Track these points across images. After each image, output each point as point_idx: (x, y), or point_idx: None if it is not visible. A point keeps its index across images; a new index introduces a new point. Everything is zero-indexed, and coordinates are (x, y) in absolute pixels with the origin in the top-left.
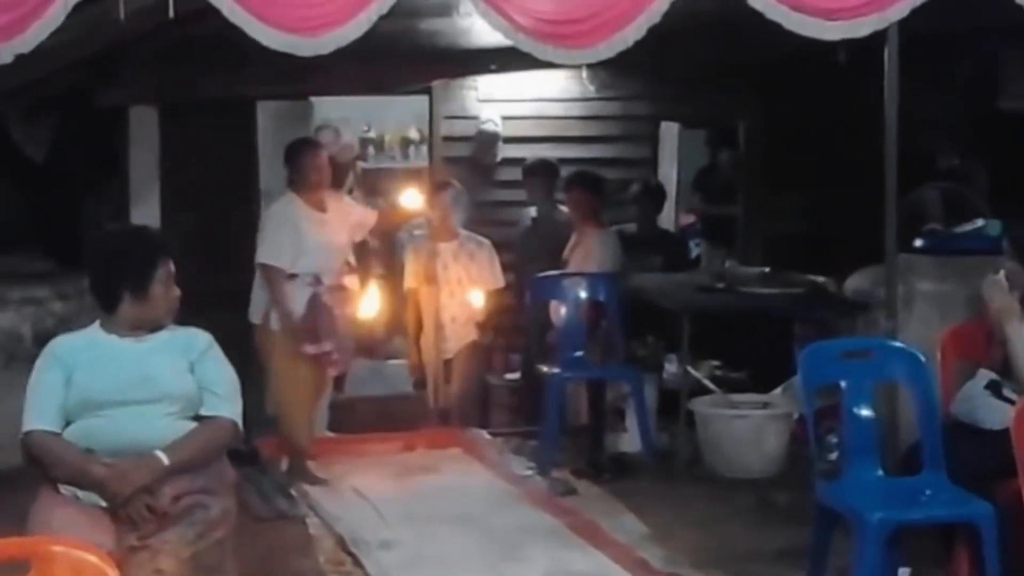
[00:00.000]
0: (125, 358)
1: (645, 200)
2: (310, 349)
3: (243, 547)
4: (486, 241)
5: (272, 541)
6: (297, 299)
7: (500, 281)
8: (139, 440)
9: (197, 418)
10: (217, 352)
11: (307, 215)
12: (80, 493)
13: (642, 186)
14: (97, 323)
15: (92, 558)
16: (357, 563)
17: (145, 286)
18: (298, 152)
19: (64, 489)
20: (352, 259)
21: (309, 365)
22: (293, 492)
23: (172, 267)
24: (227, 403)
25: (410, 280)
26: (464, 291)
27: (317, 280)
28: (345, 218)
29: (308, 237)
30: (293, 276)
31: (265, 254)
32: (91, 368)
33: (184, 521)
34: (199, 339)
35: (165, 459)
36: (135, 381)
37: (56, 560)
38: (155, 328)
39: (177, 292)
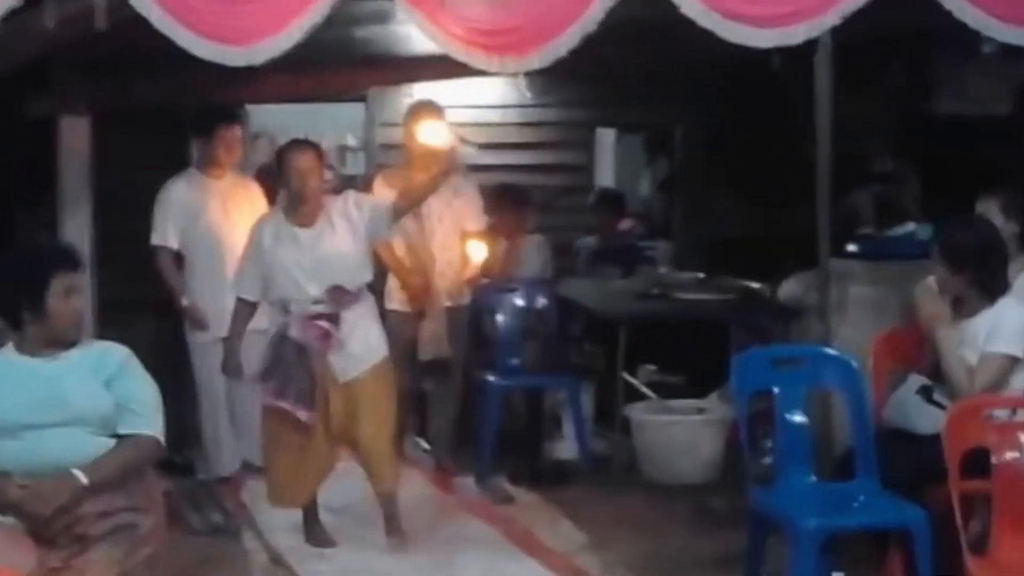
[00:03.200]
0: (36, 379)
1: (603, 208)
2: (268, 400)
3: (175, 561)
4: (470, 174)
5: (206, 554)
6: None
7: (484, 220)
8: (57, 461)
9: (117, 436)
10: (134, 367)
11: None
12: None
13: (600, 194)
14: (11, 344)
15: None
16: (290, 574)
17: (40, 301)
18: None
19: None
20: None
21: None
22: (228, 505)
23: (75, 280)
24: (146, 419)
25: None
26: (446, 232)
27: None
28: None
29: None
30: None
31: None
32: (3, 391)
33: (109, 540)
34: (114, 354)
35: (84, 478)
36: (47, 402)
37: None
38: (68, 345)
39: (78, 305)
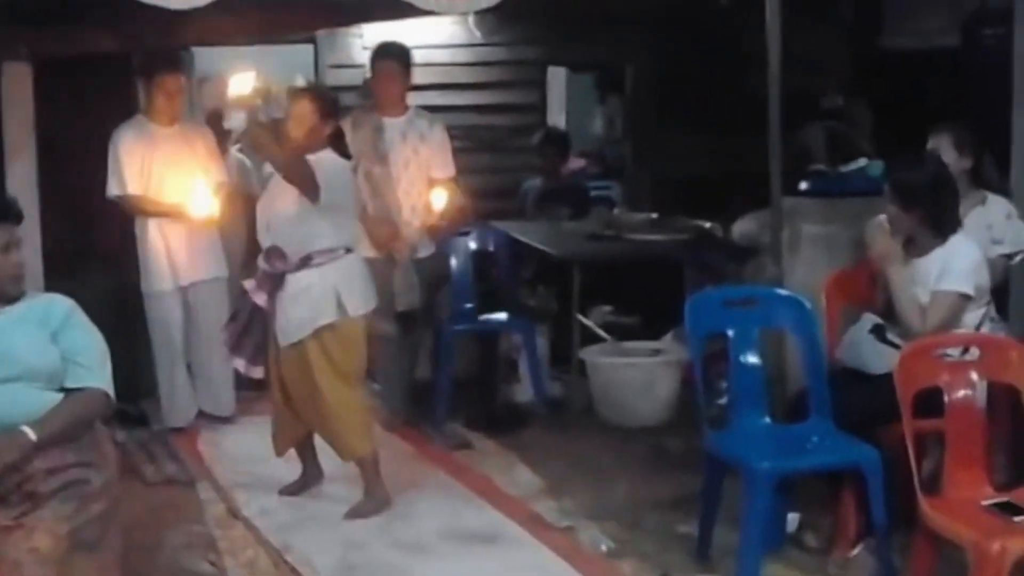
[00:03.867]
0: None
1: (549, 149)
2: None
3: (130, 513)
4: (438, 119)
5: (160, 506)
6: None
7: (452, 169)
8: (3, 418)
9: (65, 390)
10: (79, 319)
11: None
12: None
13: (544, 134)
14: None
15: None
16: (248, 526)
17: None
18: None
19: None
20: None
21: None
22: (182, 456)
23: (13, 234)
24: (94, 372)
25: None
26: (411, 179)
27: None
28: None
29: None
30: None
31: None
32: None
33: (59, 496)
34: (58, 307)
35: (32, 434)
36: None
37: None
38: (11, 299)
39: (16, 259)
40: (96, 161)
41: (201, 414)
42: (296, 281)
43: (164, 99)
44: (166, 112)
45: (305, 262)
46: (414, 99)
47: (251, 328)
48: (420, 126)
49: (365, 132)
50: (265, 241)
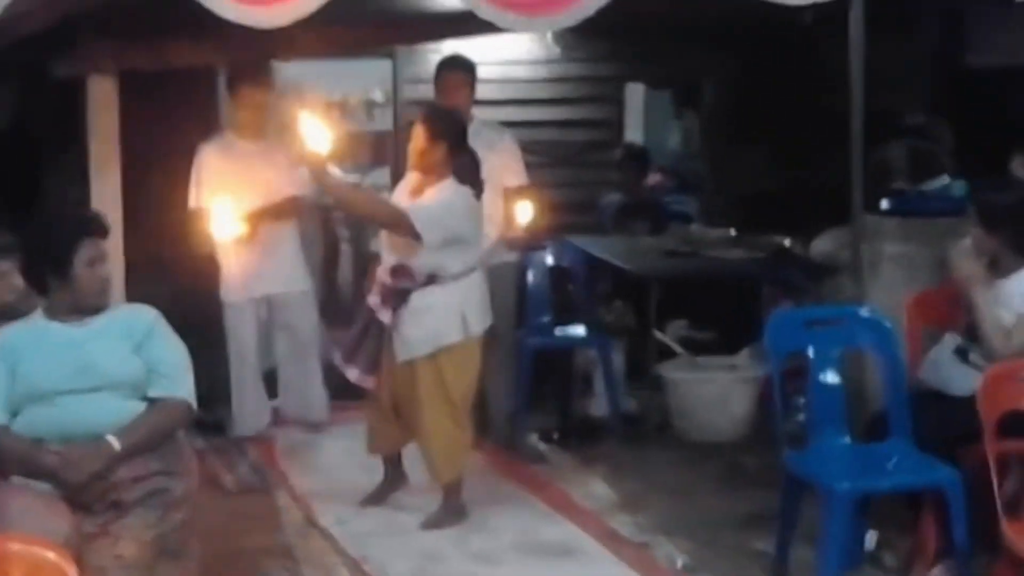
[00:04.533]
0: (66, 346)
1: (629, 164)
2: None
3: (208, 521)
4: (507, 129)
5: (238, 514)
6: None
7: (524, 177)
8: (89, 427)
9: (147, 399)
10: (163, 329)
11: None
12: (34, 483)
13: (625, 150)
14: (40, 310)
15: (51, 555)
16: (325, 534)
17: (66, 269)
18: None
19: (16, 480)
20: None
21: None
22: (261, 464)
23: (101, 248)
24: (176, 382)
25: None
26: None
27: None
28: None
29: None
30: None
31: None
32: (34, 358)
33: (144, 504)
34: (142, 318)
35: (116, 444)
36: (78, 369)
37: (13, 558)
38: (96, 310)
39: (106, 272)
40: (179, 175)
41: (285, 423)
42: (421, 298)
43: (248, 113)
44: (250, 126)
45: (432, 279)
46: (493, 114)
47: (367, 339)
48: (487, 136)
49: None
50: (389, 258)
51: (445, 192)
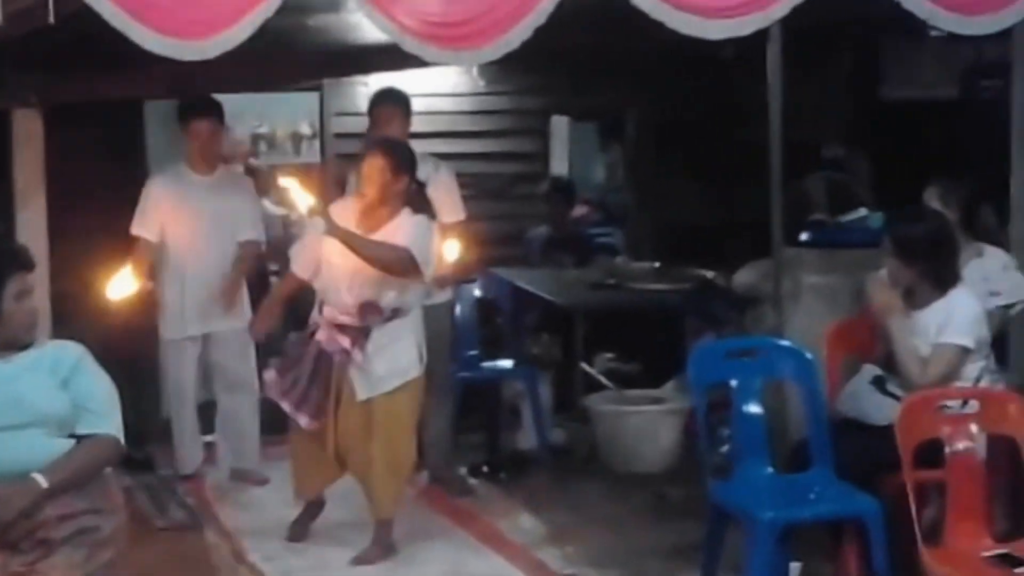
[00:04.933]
0: None
1: (555, 197)
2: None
3: (138, 559)
4: (444, 163)
5: (168, 551)
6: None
7: (462, 212)
8: (15, 464)
9: (75, 436)
10: (89, 365)
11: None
12: None
13: (551, 183)
14: None
15: None
16: (254, 571)
17: None
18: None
19: None
20: None
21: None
22: (189, 501)
23: (28, 282)
24: (104, 418)
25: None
26: None
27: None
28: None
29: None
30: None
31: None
32: None
33: (71, 543)
34: (69, 354)
35: (44, 481)
36: (5, 405)
37: None
38: (23, 346)
39: (33, 306)
40: (105, 208)
41: (216, 460)
42: (384, 334)
43: (197, 145)
44: (200, 159)
45: (395, 314)
46: (418, 147)
47: (315, 383)
48: (425, 170)
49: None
50: (348, 298)
51: (421, 225)
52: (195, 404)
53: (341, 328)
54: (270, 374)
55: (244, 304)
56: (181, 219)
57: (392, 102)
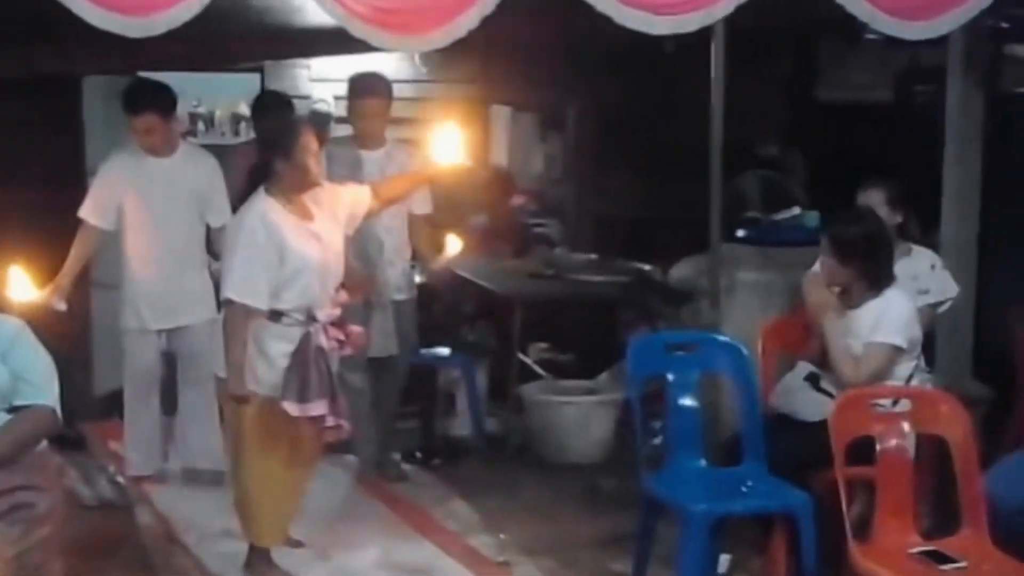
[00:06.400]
0: None
1: (494, 187)
2: (293, 410)
3: (68, 537)
4: (417, 152)
5: (98, 529)
6: (279, 346)
7: (430, 204)
8: None
9: (13, 409)
10: (28, 338)
11: (292, 227)
12: None
13: (491, 173)
14: None
15: None
16: (188, 554)
17: None
18: (286, 127)
19: None
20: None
21: (291, 437)
22: (120, 479)
23: None
24: (42, 391)
25: None
26: (392, 215)
27: (310, 317)
28: (335, 215)
29: (294, 259)
30: (277, 315)
31: (231, 287)
32: None
33: (6, 519)
34: (7, 327)
35: None
36: None
37: None
38: None
39: None
40: (41, 183)
41: (186, 470)
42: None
43: (138, 137)
44: (149, 148)
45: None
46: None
47: (324, 383)
48: (400, 159)
49: (341, 167)
50: (324, 291)
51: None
52: (157, 401)
53: (334, 323)
54: (294, 407)
55: (210, 295)
56: (142, 203)
57: (379, 92)
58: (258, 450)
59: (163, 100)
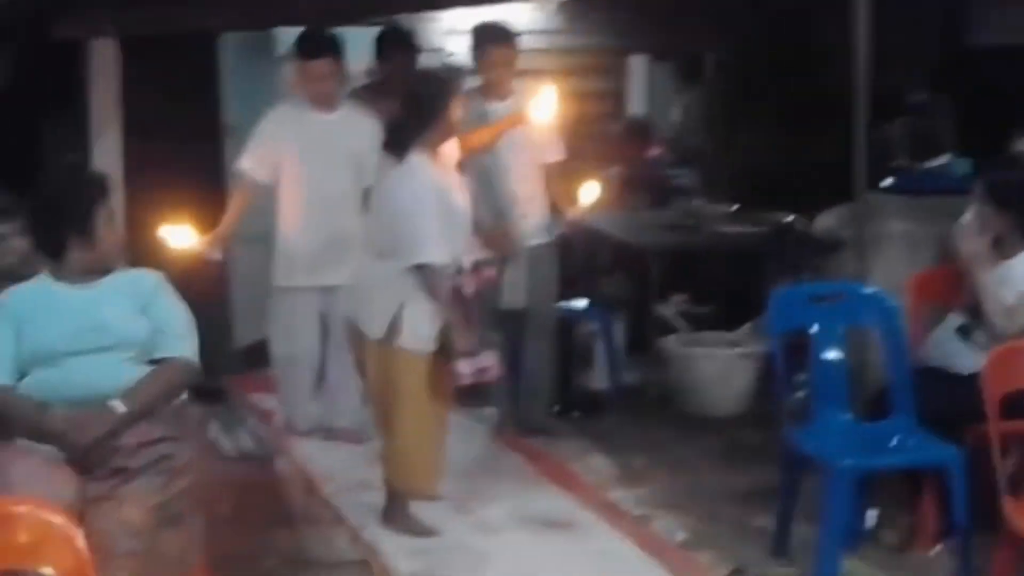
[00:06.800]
0: (76, 306)
1: (631, 137)
2: (467, 369)
3: (208, 485)
4: None
5: (240, 481)
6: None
7: (562, 152)
8: (96, 389)
9: (153, 362)
10: (167, 291)
11: (447, 182)
12: (38, 446)
13: (626, 123)
14: (45, 272)
15: (56, 518)
16: (327, 504)
17: (89, 228)
18: (440, 86)
19: (21, 443)
20: None
21: (444, 387)
22: (260, 431)
23: (112, 207)
24: (181, 342)
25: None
26: (523, 165)
27: (458, 268)
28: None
29: (456, 214)
30: None
31: (428, 251)
32: (42, 319)
33: (149, 470)
34: (148, 280)
35: (122, 407)
36: (88, 329)
37: (19, 521)
38: (104, 272)
39: (121, 231)
40: (179, 141)
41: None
42: None
43: (311, 85)
44: (315, 99)
45: None
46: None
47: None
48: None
49: (469, 118)
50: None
51: None
52: (314, 362)
53: (478, 266)
54: (468, 367)
55: None
56: (302, 160)
57: (508, 40)
58: (420, 402)
59: (338, 45)
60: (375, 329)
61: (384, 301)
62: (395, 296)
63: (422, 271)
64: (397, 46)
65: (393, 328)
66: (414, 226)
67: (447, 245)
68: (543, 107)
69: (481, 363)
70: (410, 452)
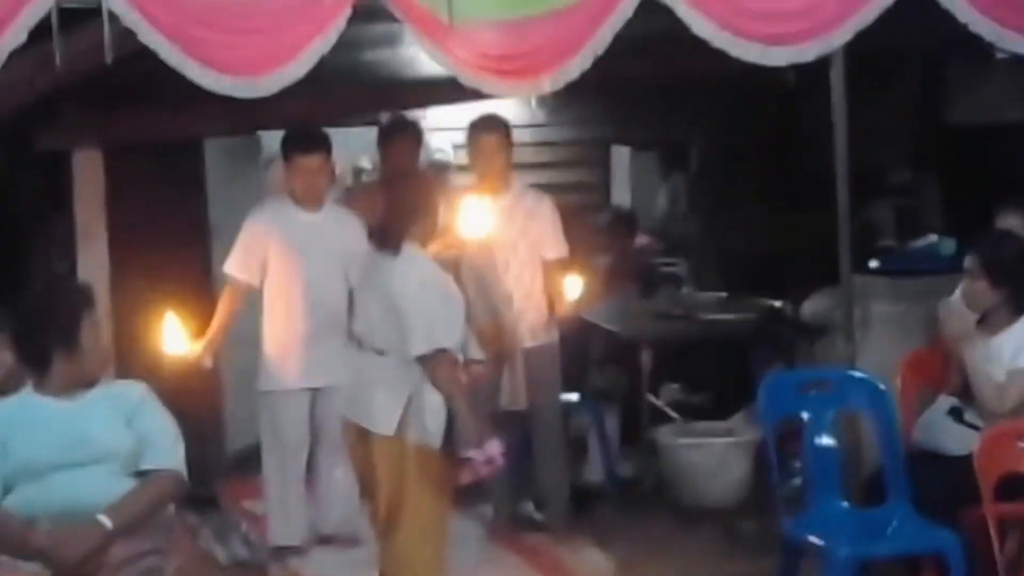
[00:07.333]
0: (60, 420)
1: (617, 228)
2: (478, 456)
3: None
4: (546, 195)
5: None
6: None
7: (565, 248)
8: (81, 504)
9: (139, 474)
10: (152, 402)
11: (443, 273)
12: (22, 563)
13: (612, 214)
14: (29, 386)
15: None
16: None
17: (74, 341)
18: (424, 188)
19: (5, 560)
20: None
21: (447, 483)
22: (252, 538)
23: (97, 318)
24: (168, 453)
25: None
26: (522, 263)
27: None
28: None
29: (458, 301)
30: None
31: (439, 337)
32: (27, 434)
33: None
34: (133, 392)
35: (108, 523)
36: (73, 443)
37: None
38: (90, 384)
39: (106, 343)
40: (166, 243)
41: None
42: None
43: (300, 181)
44: (305, 195)
45: None
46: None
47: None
48: (527, 203)
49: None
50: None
51: None
52: (302, 468)
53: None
54: (478, 454)
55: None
56: (287, 258)
57: (497, 130)
58: (429, 498)
59: (327, 141)
60: (384, 426)
61: (391, 396)
62: (402, 390)
63: (433, 359)
64: (402, 133)
65: (403, 423)
66: (422, 313)
67: (455, 332)
68: (475, 223)
69: (489, 452)
70: (414, 552)
